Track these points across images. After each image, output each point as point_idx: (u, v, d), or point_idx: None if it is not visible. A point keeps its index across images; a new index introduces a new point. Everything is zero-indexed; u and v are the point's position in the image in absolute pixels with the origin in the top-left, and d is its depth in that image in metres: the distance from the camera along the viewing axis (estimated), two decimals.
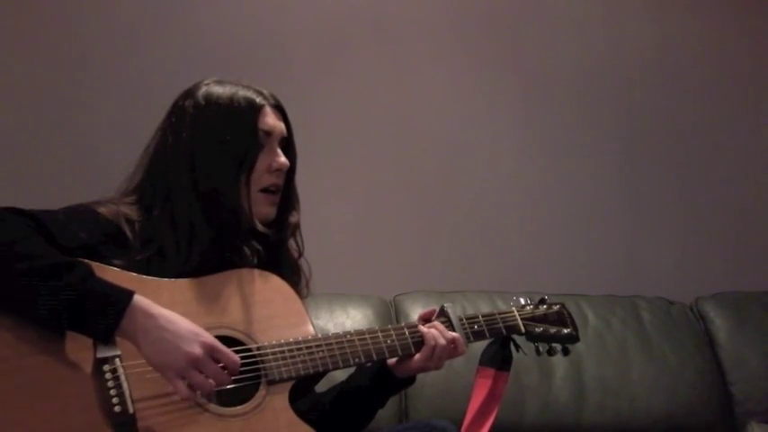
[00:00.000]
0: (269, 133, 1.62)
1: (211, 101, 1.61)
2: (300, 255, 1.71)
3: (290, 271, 1.68)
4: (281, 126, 1.65)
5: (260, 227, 1.60)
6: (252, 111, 1.61)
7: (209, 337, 1.38)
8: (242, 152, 1.59)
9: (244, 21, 2.73)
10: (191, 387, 1.36)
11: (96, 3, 2.64)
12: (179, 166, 1.58)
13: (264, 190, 1.62)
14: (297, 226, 1.70)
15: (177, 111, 1.63)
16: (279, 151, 1.64)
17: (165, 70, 2.59)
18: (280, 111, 1.67)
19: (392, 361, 1.64)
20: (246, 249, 1.59)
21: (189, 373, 1.35)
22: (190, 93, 1.64)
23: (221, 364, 1.38)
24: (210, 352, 1.37)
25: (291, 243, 1.70)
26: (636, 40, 3.06)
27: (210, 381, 1.37)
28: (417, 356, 1.61)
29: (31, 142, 2.55)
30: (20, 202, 1.46)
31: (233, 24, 2.72)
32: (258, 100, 1.62)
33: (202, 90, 1.62)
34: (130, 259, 1.49)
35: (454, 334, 1.63)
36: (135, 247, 1.51)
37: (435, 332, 1.62)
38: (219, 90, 1.62)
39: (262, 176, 1.62)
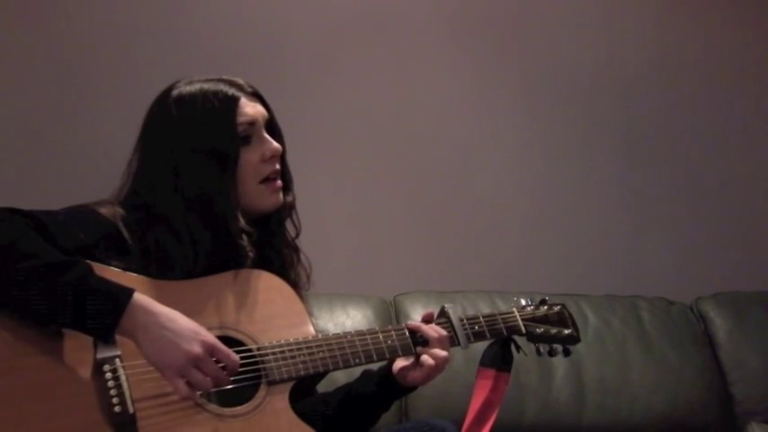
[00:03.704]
0: (252, 123, 1.60)
1: (184, 106, 1.57)
2: (298, 234, 1.71)
3: (290, 251, 1.69)
4: (261, 112, 1.62)
5: (246, 227, 1.58)
6: (228, 106, 1.57)
7: (209, 336, 1.38)
8: (224, 151, 1.56)
9: (242, 21, 2.73)
10: (190, 386, 1.35)
11: (95, 2, 2.63)
12: (164, 181, 1.56)
13: (265, 180, 1.61)
14: (292, 206, 1.69)
15: (152, 124, 1.61)
16: (268, 138, 1.62)
17: (164, 70, 2.55)
18: (256, 96, 1.64)
19: (396, 369, 1.64)
20: (243, 247, 1.58)
21: (188, 372, 1.35)
22: (161, 102, 1.60)
23: (221, 364, 1.38)
24: (210, 351, 1.37)
25: (289, 224, 1.69)
26: (637, 40, 3.06)
27: (209, 380, 1.36)
28: (417, 375, 1.60)
29: (30, 142, 2.55)
30: (20, 202, 1.46)
31: (232, 24, 2.72)
32: (231, 92, 1.59)
33: (173, 97, 1.59)
34: (130, 263, 1.48)
35: (445, 354, 1.60)
36: (135, 252, 1.50)
37: (431, 359, 1.59)
38: (191, 92, 1.58)
39: (258, 167, 1.60)
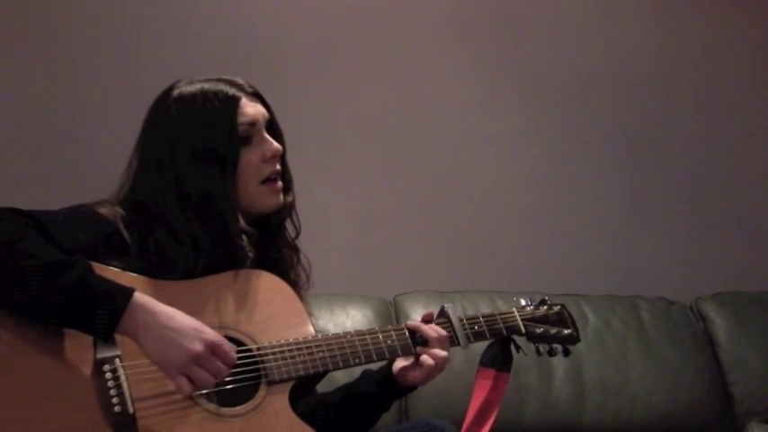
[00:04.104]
0: (253, 123, 1.59)
1: (184, 106, 1.57)
2: (298, 234, 1.70)
3: (290, 250, 1.69)
4: (262, 112, 1.62)
5: (246, 227, 1.58)
6: (229, 107, 1.57)
7: (210, 333, 1.38)
8: (225, 152, 1.56)
9: (242, 21, 2.73)
10: (192, 382, 1.35)
11: (95, 2, 2.64)
12: (164, 181, 1.55)
13: (266, 180, 1.61)
14: (292, 206, 1.69)
15: (152, 123, 1.60)
16: (268, 138, 1.61)
17: (164, 70, 2.55)
18: (257, 96, 1.63)
19: (396, 369, 1.64)
20: (243, 247, 1.58)
21: (190, 369, 1.35)
22: (161, 102, 1.60)
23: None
24: (212, 348, 1.37)
25: (289, 224, 1.69)
26: (637, 39, 3.06)
27: (212, 377, 1.36)
28: (417, 375, 1.60)
29: (30, 142, 2.55)
30: (20, 202, 1.46)
31: (232, 24, 2.72)
32: (232, 93, 1.58)
33: (173, 96, 1.58)
34: (130, 263, 1.48)
35: (444, 354, 1.61)
36: (134, 252, 1.50)
37: (430, 359, 1.59)
38: (191, 92, 1.58)
39: (259, 168, 1.60)
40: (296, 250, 1.70)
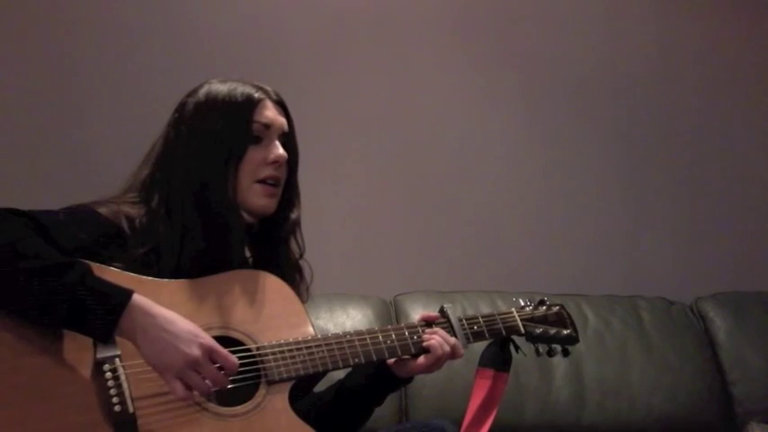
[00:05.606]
0: (267, 126, 1.61)
1: (210, 96, 1.61)
2: (302, 254, 1.70)
3: (292, 270, 1.68)
4: (280, 120, 1.64)
5: (247, 218, 1.59)
6: (248, 104, 1.60)
7: (207, 339, 1.38)
8: (230, 144, 1.58)
9: (242, 21, 2.73)
10: (188, 388, 1.36)
11: (95, 3, 2.64)
12: (176, 162, 1.58)
13: (262, 181, 1.61)
14: (297, 223, 1.69)
15: (180, 108, 1.64)
16: (277, 144, 1.62)
17: (164, 70, 2.59)
18: (281, 106, 1.66)
19: (392, 360, 1.64)
20: (243, 248, 1.58)
21: (187, 374, 1.35)
22: (194, 90, 1.65)
23: (217, 364, 1.38)
24: (209, 353, 1.37)
25: (292, 242, 1.69)
26: (637, 39, 3.06)
27: (208, 382, 1.37)
28: (421, 361, 1.61)
29: (30, 143, 2.55)
30: (20, 202, 1.46)
31: (231, 24, 2.72)
32: (257, 94, 1.62)
33: (205, 87, 1.63)
34: (129, 257, 1.49)
35: (455, 340, 1.63)
36: (135, 250, 1.50)
37: (440, 339, 1.62)
38: (221, 86, 1.63)
39: (259, 168, 1.60)
40: (299, 270, 1.70)
